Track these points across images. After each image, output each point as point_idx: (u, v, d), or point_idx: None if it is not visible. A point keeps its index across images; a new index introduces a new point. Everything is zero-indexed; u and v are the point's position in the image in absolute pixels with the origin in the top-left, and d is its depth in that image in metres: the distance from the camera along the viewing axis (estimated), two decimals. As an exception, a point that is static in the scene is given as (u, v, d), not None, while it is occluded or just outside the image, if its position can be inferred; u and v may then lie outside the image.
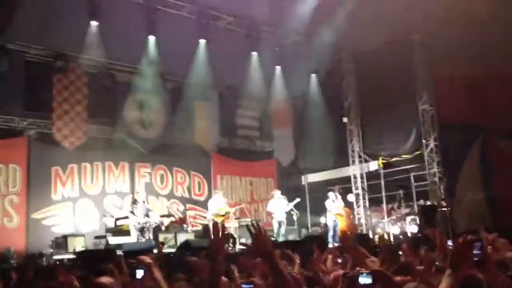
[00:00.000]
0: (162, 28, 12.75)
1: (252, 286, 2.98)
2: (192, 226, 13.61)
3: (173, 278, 4.63)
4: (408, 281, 3.36)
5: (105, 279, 3.33)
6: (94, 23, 12.23)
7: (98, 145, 13.66)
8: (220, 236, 2.71)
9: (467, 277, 2.59)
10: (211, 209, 13.04)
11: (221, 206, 13.00)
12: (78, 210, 13.14)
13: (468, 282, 2.60)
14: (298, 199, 13.23)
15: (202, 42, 13.53)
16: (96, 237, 11.98)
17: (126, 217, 11.90)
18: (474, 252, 2.57)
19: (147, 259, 3.88)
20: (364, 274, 3.03)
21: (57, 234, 11.99)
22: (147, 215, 11.85)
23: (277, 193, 13.49)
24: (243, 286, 3.04)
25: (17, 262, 9.32)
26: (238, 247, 11.65)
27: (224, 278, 3.54)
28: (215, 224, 2.82)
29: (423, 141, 14.42)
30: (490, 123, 12.85)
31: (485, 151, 13.17)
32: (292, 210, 13.02)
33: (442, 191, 13.90)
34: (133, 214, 11.77)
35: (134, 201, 12.12)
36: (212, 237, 2.75)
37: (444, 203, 13.27)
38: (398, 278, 3.44)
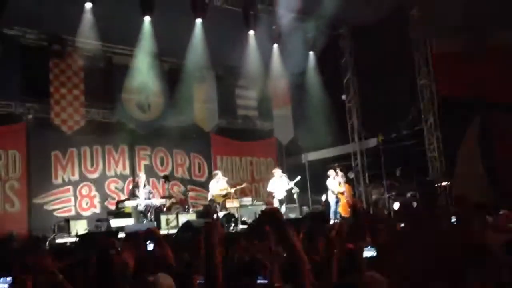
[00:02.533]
0: (157, 9, 12.57)
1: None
2: (193, 207, 13.68)
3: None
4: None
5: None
6: (88, 5, 12.06)
7: (97, 129, 13.67)
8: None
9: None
10: (212, 190, 13.10)
11: (222, 186, 13.06)
12: (79, 194, 13.20)
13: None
14: (298, 177, 13.25)
15: (198, 22, 13.37)
16: (98, 220, 12.04)
17: (128, 200, 11.95)
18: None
19: (157, 231, 3.98)
20: (369, 246, 3.04)
21: (59, 218, 12.09)
22: (148, 198, 11.91)
23: (278, 171, 13.50)
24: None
25: (20, 246, 9.36)
26: (240, 227, 11.72)
27: None
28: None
29: (422, 116, 14.37)
30: (490, 97, 12.77)
31: (486, 125, 13.13)
32: (292, 188, 13.05)
33: (442, 166, 13.92)
34: (135, 196, 11.83)
35: (135, 184, 12.19)
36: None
37: (444, 178, 13.30)
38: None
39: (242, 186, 13.86)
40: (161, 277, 2.97)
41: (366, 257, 2.98)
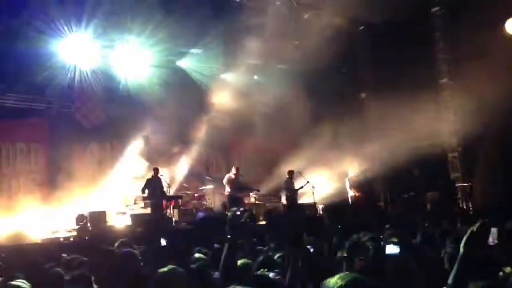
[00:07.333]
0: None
1: None
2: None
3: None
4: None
5: None
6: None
7: (117, 124, 13.61)
8: None
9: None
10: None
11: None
12: (100, 187, 13.15)
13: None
14: (307, 181, 13.12)
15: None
16: (118, 213, 12.17)
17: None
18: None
19: None
20: (392, 243, 2.82)
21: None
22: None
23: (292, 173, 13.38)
24: None
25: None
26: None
27: None
28: None
29: (443, 115, 14.14)
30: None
31: (507, 129, 12.79)
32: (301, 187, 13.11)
33: (462, 167, 13.68)
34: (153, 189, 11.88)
35: (154, 177, 12.23)
36: None
37: (464, 179, 13.09)
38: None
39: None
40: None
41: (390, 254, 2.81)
